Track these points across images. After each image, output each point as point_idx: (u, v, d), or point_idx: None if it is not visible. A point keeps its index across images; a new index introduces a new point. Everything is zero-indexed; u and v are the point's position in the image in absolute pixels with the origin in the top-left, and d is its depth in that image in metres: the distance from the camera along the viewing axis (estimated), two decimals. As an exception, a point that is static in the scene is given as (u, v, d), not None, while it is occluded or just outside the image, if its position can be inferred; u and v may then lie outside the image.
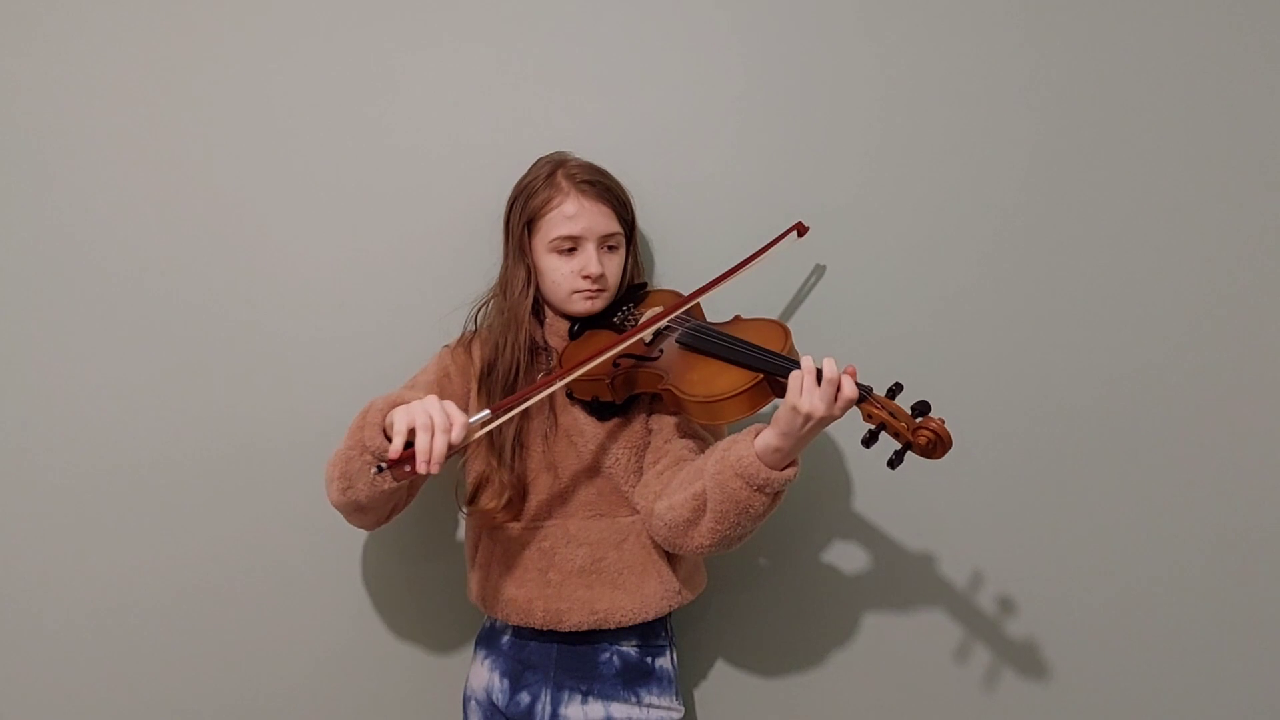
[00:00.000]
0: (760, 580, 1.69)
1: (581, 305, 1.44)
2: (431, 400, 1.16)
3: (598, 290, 1.44)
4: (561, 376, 1.32)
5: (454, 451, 1.15)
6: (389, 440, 1.17)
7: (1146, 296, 1.65)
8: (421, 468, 1.12)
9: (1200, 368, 1.66)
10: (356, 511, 1.34)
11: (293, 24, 1.61)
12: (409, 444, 1.14)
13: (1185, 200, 1.64)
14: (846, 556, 1.69)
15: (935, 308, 1.65)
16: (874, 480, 1.67)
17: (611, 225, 1.44)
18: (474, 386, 1.46)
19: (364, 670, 1.67)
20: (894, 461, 1.19)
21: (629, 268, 1.51)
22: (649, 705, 1.44)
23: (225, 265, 1.62)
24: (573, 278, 1.42)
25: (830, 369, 1.18)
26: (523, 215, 1.44)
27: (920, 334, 1.65)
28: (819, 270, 1.64)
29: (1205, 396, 1.66)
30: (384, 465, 1.14)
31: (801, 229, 1.54)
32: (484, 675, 1.49)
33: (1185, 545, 1.68)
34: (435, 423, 1.13)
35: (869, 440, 1.20)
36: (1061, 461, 1.67)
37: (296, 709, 1.66)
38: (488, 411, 1.22)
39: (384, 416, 1.21)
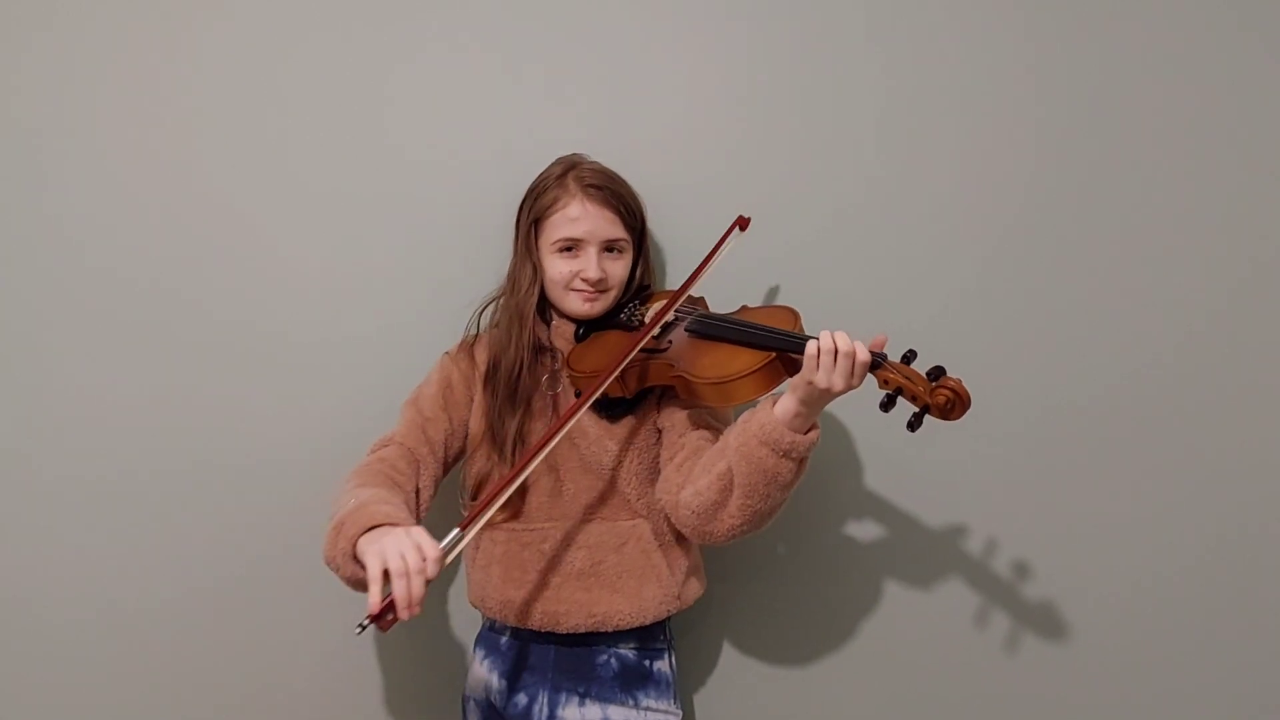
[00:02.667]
0: (762, 582, 1.68)
1: (579, 306, 1.45)
2: (400, 536, 1.14)
3: (596, 293, 1.44)
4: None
5: (430, 583, 1.13)
6: (360, 565, 1.17)
7: (1156, 288, 1.66)
8: (404, 615, 1.11)
9: (1210, 356, 1.66)
10: None
11: (302, 27, 1.61)
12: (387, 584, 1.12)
13: (1190, 195, 1.65)
14: (850, 558, 1.68)
15: (942, 301, 1.65)
16: (878, 480, 1.67)
17: (615, 231, 1.44)
18: (478, 389, 1.46)
19: (363, 670, 1.67)
20: (913, 424, 1.20)
21: (637, 272, 1.51)
22: (646, 708, 1.44)
23: (232, 268, 1.62)
24: (571, 278, 1.43)
25: (845, 342, 1.19)
26: (531, 213, 1.46)
27: (928, 327, 1.63)
28: (824, 268, 1.64)
29: (1216, 384, 1.66)
30: (365, 624, 1.11)
31: (743, 222, 1.52)
32: (482, 676, 1.49)
33: (1199, 526, 1.67)
34: (409, 566, 1.11)
35: (886, 405, 1.22)
36: (1075, 451, 1.67)
37: (296, 709, 1.66)
38: (457, 530, 1.19)
39: (354, 543, 1.19)
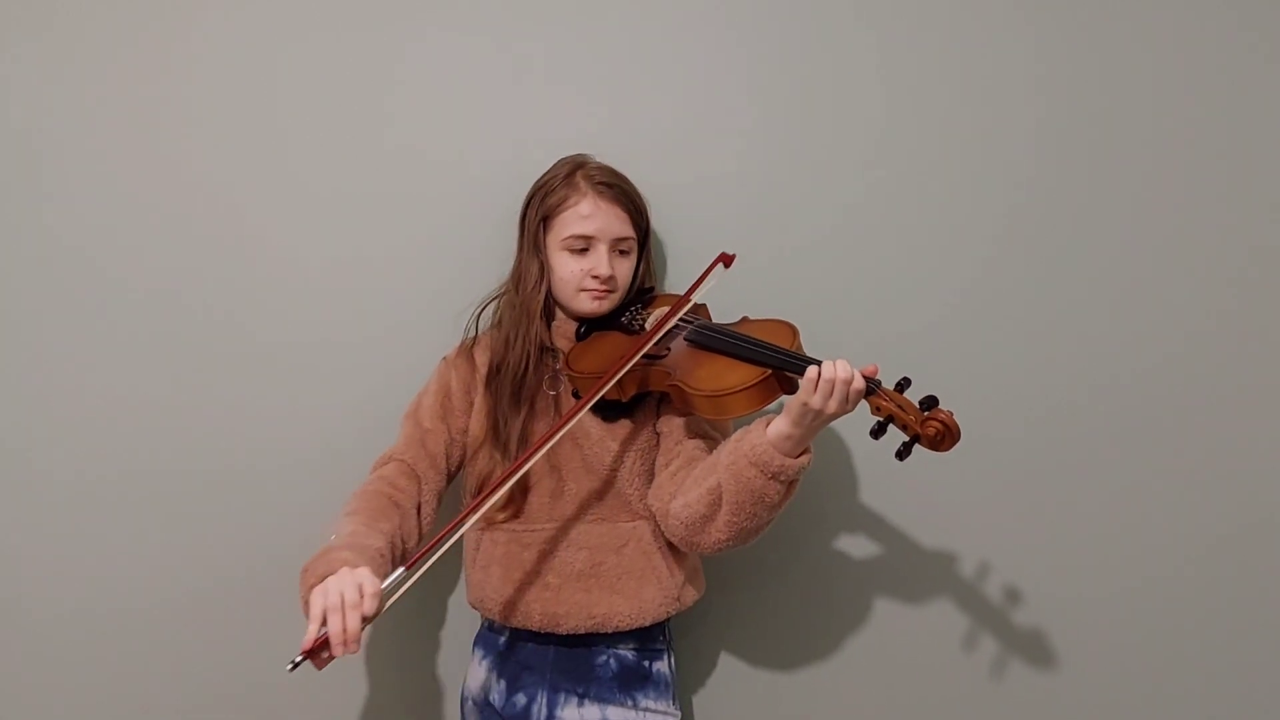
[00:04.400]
0: (761, 584, 1.69)
1: (588, 305, 1.45)
2: (343, 575, 1.14)
3: (606, 291, 1.45)
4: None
5: (370, 621, 1.12)
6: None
7: (1153, 293, 1.67)
8: (339, 651, 1.10)
9: (1206, 363, 1.67)
10: None
11: (301, 25, 1.61)
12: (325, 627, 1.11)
13: (1190, 196, 1.65)
14: (849, 559, 1.69)
15: (941, 306, 1.66)
16: (877, 483, 1.67)
17: (625, 229, 1.45)
18: (478, 393, 1.47)
19: (363, 670, 1.67)
20: (902, 453, 1.21)
21: (640, 273, 1.52)
22: (645, 709, 1.44)
23: (230, 269, 1.62)
24: (582, 276, 1.43)
25: (845, 370, 1.20)
26: (539, 212, 1.46)
27: (925, 332, 1.65)
28: (824, 270, 1.65)
29: (1210, 391, 1.67)
30: (298, 661, 1.10)
31: (727, 259, 1.48)
32: (481, 676, 1.49)
33: (1190, 539, 1.68)
34: (346, 600, 1.11)
35: (877, 432, 1.22)
36: (1068, 458, 1.67)
37: (295, 709, 1.66)
38: (402, 570, 1.20)
39: (309, 589, 1.17)
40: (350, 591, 1.12)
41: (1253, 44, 1.64)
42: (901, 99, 1.65)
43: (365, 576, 1.14)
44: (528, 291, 1.45)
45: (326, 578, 1.16)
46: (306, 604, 1.16)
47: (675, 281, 1.63)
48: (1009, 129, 1.65)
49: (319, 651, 1.11)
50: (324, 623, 1.11)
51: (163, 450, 1.62)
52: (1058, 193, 1.66)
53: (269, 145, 1.61)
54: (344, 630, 1.10)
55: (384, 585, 1.16)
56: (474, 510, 1.25)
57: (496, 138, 1.62)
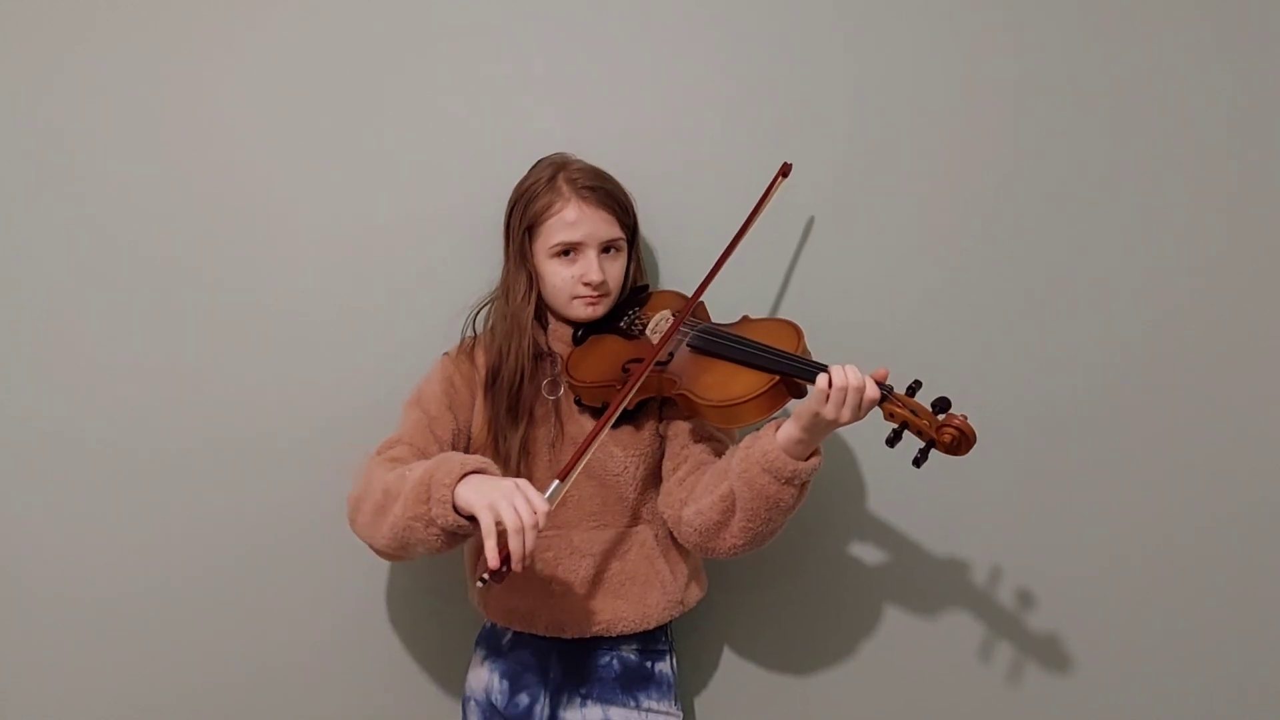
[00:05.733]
0: (763, 584, 1.69)
1: (583, 311, 1.43)
2: (510, 490, 1.15)
3: (599, 296, 1.43)
4: (615, 409, 1.29)
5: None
6: (458, 513, 1.18)
7: (1156, 285, 1.65)
8: (518, 569, 1.13)
9: (1210, 355, 1.66)
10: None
11: (296, 24, 1.59)
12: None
13: (1175, 190, 1.65)
14: (852, 559, 1.69)
15: (941, 302, 1.65)
16: (880, 482, 1.67)
17: (612, 231, 1.43)
18: (479, 394, 1.45)
19: (364, 669, 1.67)
20: (919, 460, 1.20)
21: (631, 271, 1.50)
22: (648, 710, 1.45)
23: (229, 262, 1.60)
24: (573, 284, 1.41)
25: (855, 377, 1.19)
26: (523, 220, 1.43)
27: (927, 330, 1.64)
28: (821, 266, 1.64)
29: (1215, 384, 1.66)
30: (487, 579, 1.14)
31: (786, 169, 1.51)
32: (484, 676, 1.50)
33: (1198, 535, 1.68)
34: (524, 521, 1.13)
35: (893, 440, 1.21)
36: (1076, 461, 1.67)
37: (295, 707, 1.66)
38: (557, 482, 1.21)
39: (451, 490, 1.18)
40: (525, 510, 1.13)
41: (1237, 37, 1.63)
42: (889, 93, 1.62)
43: (529, 490, 1.16)
44: (517, 303, 1.42)
45: (469, 478, 1.18)
46: (448, 506, 1.18)
47: (669, 279, 1.62)
48: (999, 122, 1.63)
49: (501, 568, 1.13)
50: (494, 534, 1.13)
51: (156, 444, 1.62)
52: (1049, 185, 1.64)
53: (271, 144, 1.60)
54: (524, 550, 1.13)
55: (546, 498, 1.17)
56: (601, 428, 1.26)
57: (491, 137, 1.60)
